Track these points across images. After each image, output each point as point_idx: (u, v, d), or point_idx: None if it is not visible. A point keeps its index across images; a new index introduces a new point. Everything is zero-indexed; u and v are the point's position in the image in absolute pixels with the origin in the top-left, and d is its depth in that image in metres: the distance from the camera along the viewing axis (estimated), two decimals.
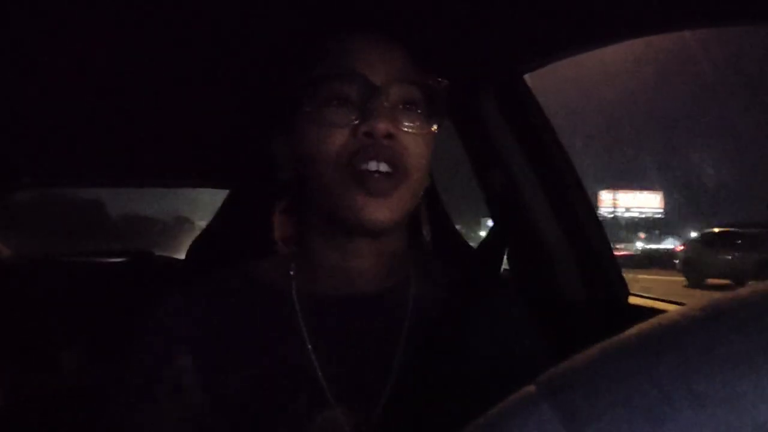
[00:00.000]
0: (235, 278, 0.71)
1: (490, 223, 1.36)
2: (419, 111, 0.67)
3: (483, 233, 1.54)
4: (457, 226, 1.25)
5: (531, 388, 0.25)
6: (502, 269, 1.34)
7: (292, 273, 0.70)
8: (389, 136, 0.63)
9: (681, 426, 0.20)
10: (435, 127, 0.69)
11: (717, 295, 0.25)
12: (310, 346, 0.65)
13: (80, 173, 2.16)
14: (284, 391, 0.63)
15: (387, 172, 0.63)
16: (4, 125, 1.43)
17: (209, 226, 1.12)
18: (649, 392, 0.21)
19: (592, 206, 1.20)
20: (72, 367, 1.68)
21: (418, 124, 0.66)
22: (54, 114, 1.41)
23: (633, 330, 0.25)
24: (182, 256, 1.20)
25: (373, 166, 0.63)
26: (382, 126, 0.62)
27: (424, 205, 0.75)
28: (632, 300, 1.18)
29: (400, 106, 0.66)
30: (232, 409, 0.62)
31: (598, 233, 1.19)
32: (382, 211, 0.63)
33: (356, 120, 0.63)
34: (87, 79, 1.19)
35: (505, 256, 1.32)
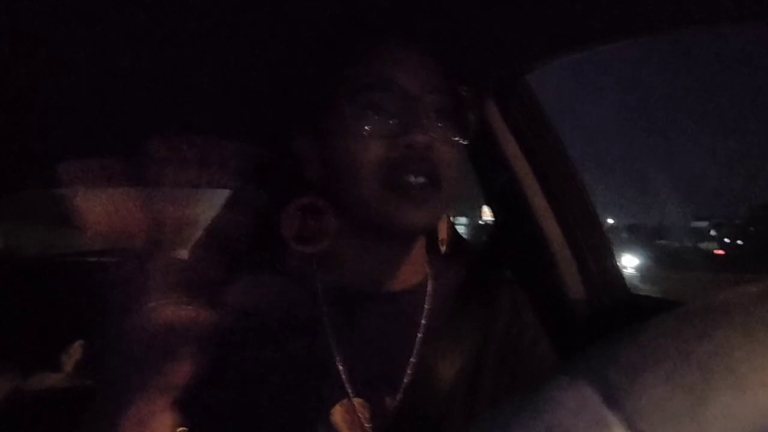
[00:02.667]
0: (261, 263, 0.72)
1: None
2: (454, 122, 0.68)
3: None
4: None
5: (568, 366, 0.25)
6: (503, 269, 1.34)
7: (314, 266, 0.71)
8: (428, 148, 0.63)
9: (721, 407, 0.21)
10: (464, 136, 0.69)
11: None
12: (331, 337, 0.67)
13: None
14: (304, 379, 0.64)
15: (425, 183, 0.64)
16: (3, 125, 1.43)
17: (210, 227, 1.12)
18: (690, 372, 0.21)
19: (592, 206, 1.20)
20: (72, 366, 1.68)
21: (451, 134, 0.67)
22: (54, 114, 1.41)
23: (671, 313, 0.25)
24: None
25: (412, 179, 0.63)
26: (422, 138, 0.63)
27: None
28: (631, 298, 1.18)
29: (435, 116, 0.66)
30: (253, 393, 0.63)
31: (598, 233, 1.19)
32: (420, 217, 0.64)
33: (396, 131, 0.64)
34: (87, 79, 1.19)
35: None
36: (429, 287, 0.74)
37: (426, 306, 0.72)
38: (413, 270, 0.73)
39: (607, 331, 0.27)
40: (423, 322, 0.70)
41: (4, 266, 2.08)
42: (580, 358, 0.24)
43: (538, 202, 1.19)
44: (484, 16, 0.90)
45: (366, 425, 0.63)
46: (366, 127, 0.64)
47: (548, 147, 1.18)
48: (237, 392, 0.63)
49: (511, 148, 1.19)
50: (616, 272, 1.19)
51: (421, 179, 0.64)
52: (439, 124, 0.66)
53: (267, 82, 1.17)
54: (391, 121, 0.64)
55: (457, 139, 0.68)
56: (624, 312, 1.12)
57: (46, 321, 1.71)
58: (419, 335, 0.69)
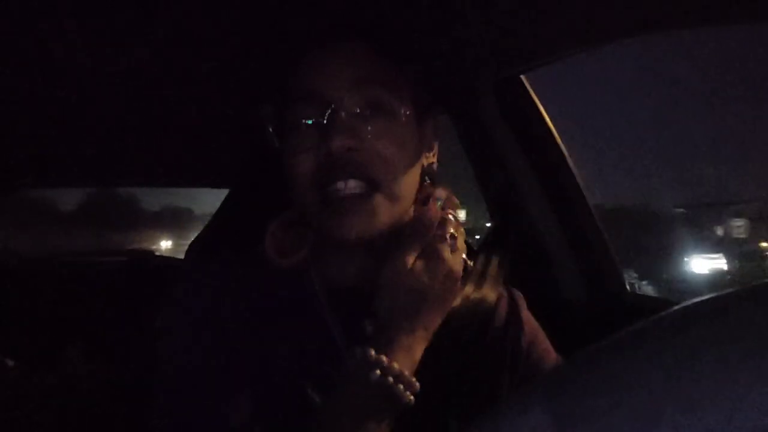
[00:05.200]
0: (252, 261, 0.73)
1: None
2: (388, 112, 0.66)
3: None
4: None
5: (524, 391, 0.25)
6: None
7: (309, 265, 0.71)
8: (350, 149, 0.63)
9: (670, 430, 0.21)
10: (405, 120, 0.67)
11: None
12: (333, 329, 0.67)
13: (81, 173, 2.16)
14: (311, 365, 0.65)
15: (357, 189, 0.64)
16: (4, 125, 1.43)
17: (209, 226, 1.13)
18: (639, 397, 0.22)
19: (590, 206, 1.20)
20: (73, 365, 1.68)
21: (385, 125, 0.65)
22: (54, 114, 1.41)
23: (623, 333, 0.25)
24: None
25: (340, 185, 0.63)
26: (337, 143, 0.62)
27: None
28: (630, 298, 1.18)
29: (368, 112, 0.65)
30: (264, 383, 0.64)
31: (596, 233, 1.19)
32: (357, 227, 0.64)
33: (319, 140, 0.64)
34: (87, 80, 1.19)
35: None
36: None
37: None
38: None
39: (606, 332, 0.27)
40: None
41: (4, 266, 2.09)
42: (536, 384, 0.25)
43: (536, 201, 1.19)
44: (484, 16, 0.90)
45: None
46: (295, 143, 0.65)
47: (546, 146, 1.19)
48: (250, 379, 0.64)
49: (509, 147, 1.19)
50: (615, 272, 1.19)
51: (350, 184, 0.63)
52: (370, 120, 0.65)
53: (241, 83, 1.17)
54: (315, 132, 0.64)
55: (398, 129, 0.66)
56: (622, 312, 1.13)
57: (46, 321, 1.71)
58: None
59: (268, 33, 0.96)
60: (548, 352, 0.75)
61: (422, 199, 0.69)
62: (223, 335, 0.66)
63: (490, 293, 0.76)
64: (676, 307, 0.25)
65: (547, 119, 1.19)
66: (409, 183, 0.69)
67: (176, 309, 0.69)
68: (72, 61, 1.08)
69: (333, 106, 0.63)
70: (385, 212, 0.66)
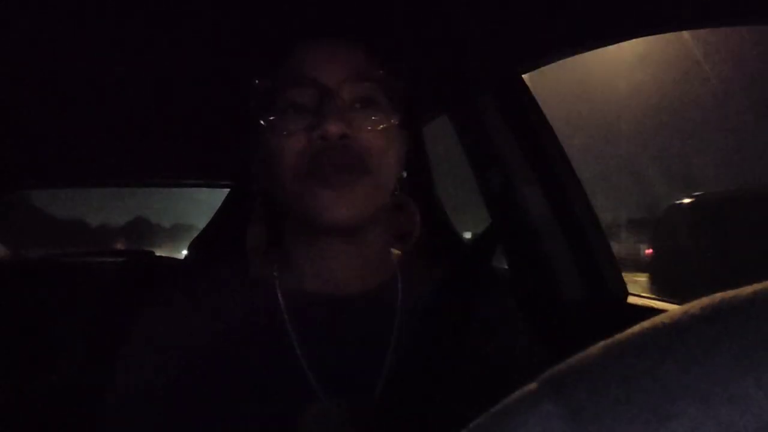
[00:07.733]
0: (228, 276, 0.71)
1: None
2: (379, 109, 0.66)
3: None
4: None
5: (533, 385, 0.24)
6: (497, 267, 1.34)
7: (275, 273, 0.70)
8: (344, 136, 0.63)
9: (684, 425, 0.20)
10: (395, 121, 0.67)
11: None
12: (296, 344, 0.65)
13: (81, 173, 2.16)
14: (272, 388, 0.63)
15: (344, 170, 0.63)
16: (4, 126, 1.43)
17: (209, 226, 1.13)
18: (652, 391, 0.21)
19: (590, 205, 1.20)
20: (71, 367, 1.68)
21: (377, 121, 0.65)
22: (54, 114, 1.41)
23: (636, 328, 0.25)
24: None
25: (329, 170, 0.62)
26: (334, 127, 0.61)
27: (415, 205, 0.74)
28: (631, 299, 1.18)
29: (358, 105, 0.65)
30: (222, 407, 0.62)
31: (596, 232, 1.19)
32: (344, 206, 0.62)
33: (311, 125, 0.63)
34: (87, 79, 1.19)
35: (504, 256, 1.32)
36: (399, 287, 0.71)
37: (398, 307, 0.69)
38: (376, 269, 0.71)
39: (606, 332, 0.27)
40: (396, 323, 0.68)
41: (4, 266, 2.08)
42: (544, 378, 0.25)
43: (536, 200, 1.19)
44: (484, 15, 0.90)
45: (338, 429, 0.62)
46: (283, 126, 0.64)
47: (546, 146, 1.18)
48: (204, 401, 0.62)
49: (508, 147, 1.19)
50: (615, 273, 1.19)
51: (342, 168, 0.63)
52: (362, 113, 0.65)
53: (239, 82, 1.17)
54: (308, 117, 0.64)
55: (387, 126, 0.66)
56: (622, 312, 1.13)
57: (46, 321, 1.71)
58: (393, 337, 0.67)
59: (266, 32, 0.96)
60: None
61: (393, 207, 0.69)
62: (185, 362, 0.63)
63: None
64: (690, 303, 0.25)
65: (546, 118, 1.19)
66: (390, 182, 0.68)
67: (142, 330, 0.67)
68: (72, 60, 1.08)
69: (332, 92, 0.63)
70: (371, 202, 0.65)
